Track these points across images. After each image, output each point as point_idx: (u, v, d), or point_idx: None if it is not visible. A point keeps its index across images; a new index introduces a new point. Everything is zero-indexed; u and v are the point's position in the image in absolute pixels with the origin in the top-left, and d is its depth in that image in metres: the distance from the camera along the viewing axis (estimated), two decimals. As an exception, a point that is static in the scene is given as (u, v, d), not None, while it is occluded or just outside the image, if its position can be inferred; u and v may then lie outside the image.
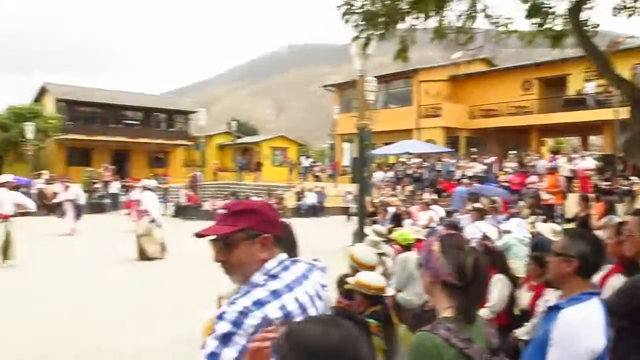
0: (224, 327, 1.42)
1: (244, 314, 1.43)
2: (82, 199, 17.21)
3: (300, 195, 24.16)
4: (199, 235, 1.68)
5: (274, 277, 1.58)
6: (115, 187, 24.34)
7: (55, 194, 17.65)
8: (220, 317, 1.45)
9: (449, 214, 11.53)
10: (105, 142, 36.57)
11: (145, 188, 12.06)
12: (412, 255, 5.10)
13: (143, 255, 10.49)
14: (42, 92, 39.56)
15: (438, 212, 11.47)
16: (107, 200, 24.15)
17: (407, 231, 6.25)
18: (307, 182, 28.99)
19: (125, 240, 13.67)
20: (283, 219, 1.85)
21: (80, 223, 15.67)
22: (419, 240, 5.79)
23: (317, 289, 1.70)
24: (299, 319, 1.48)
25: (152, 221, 10.89)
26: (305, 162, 32.00)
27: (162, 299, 7.35)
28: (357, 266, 4.02)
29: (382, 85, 25.42)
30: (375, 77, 18.37)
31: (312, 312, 1.60)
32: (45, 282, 8.36)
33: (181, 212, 21.78)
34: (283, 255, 1.65)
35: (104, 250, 11.82)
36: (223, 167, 41.08)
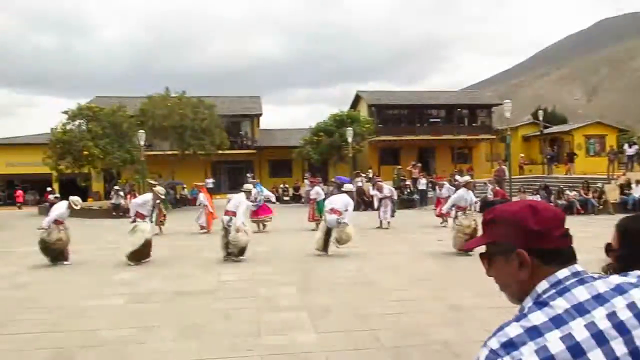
0: None
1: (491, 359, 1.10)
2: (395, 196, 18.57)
3: (624, 188, 21.21)
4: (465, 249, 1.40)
5: (542, 304, 1.14)
6: (422, 183, 25.54)
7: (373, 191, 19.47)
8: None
9: None
10: (412, 141, 38.68)
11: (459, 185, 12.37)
12: None
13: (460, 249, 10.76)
14: (357, 99, 44.18)
15: None
16: (416, 197, 25.54)
17: None
18: (633, 172, 25.31)
19: (435, 234, 14.29)
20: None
21: (394, 219, 16.93)
22: None
23: None
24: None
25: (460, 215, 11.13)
26: (630, 150, 27.85)
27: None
28: None
29: None
30: None
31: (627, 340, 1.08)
32: (401, 271, 9.32)
33: (487, 207, 21.50)
34: (564, 272, 1.19)
35: (420, 244, 12.54)
36: (529, 160, 39.03)
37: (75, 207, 10.79)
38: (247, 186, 12.30)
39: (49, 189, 31.36)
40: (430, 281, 8.22)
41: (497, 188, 21.67)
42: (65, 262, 10.44)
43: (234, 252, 10.37)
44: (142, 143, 26.12)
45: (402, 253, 11.18)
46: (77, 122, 27.70)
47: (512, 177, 23.06)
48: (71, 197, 10.92)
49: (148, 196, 11.21)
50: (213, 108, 30.27)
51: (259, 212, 15.96)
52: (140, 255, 10.35)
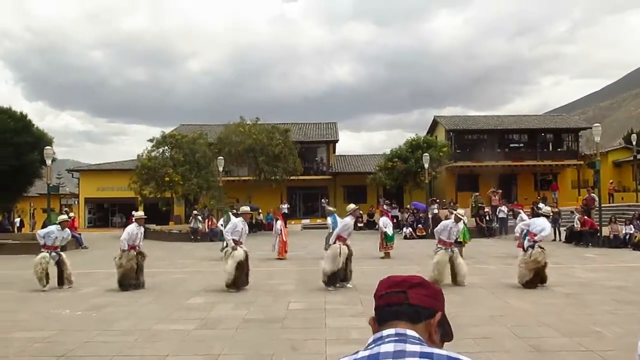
0: None
1: None
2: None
3: None
4: None
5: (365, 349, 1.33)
6: (503, 211, 24.42)
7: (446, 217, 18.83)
8: None
9: None
10: (491, 167, 37.33)
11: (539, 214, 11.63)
12: None
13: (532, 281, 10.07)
14: (434, 124, 43.41)
15: None
16: (495, 225, 24.44)
17: None
18: None
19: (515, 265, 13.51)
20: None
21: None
22: None
23: None
24: None
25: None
26: None
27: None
28: None
29: None
30: None
31: None
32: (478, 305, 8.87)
33: (574, 237, 20.19)
34: (382, 333, 1.34)
35: (498, 275, 11.88)
36: (620, 187, 36.51)
37: (142, 218, 11.11)
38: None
39: (133, 212, 33.00)
40: (509, 317, 7.67)
41: (586, 217, 20.27)
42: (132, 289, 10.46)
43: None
44: (220, 169, 26.94)
45: (478, 285, 10.59)
46: (161, 150, 29.10)
47: (602, 205, 21.54)
48: (136, 214, 11.37)
49: (236, 220, 11.08)
50: (287, 134, 30.77)
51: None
52: (238, 281, 10.23)
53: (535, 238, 10.47)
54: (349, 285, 10.44)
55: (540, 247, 10.33)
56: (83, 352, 6.07)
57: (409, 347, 1.25)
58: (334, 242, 10.36)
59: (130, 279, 10.62)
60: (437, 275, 10.30)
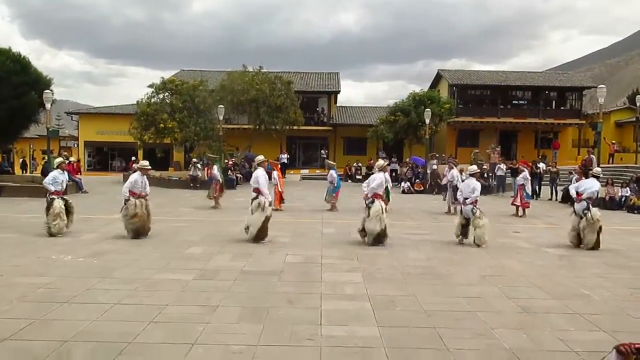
0: None
1: None
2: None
3: None
4: None
5: None
6: (501, 169, 24.44)
7: (444, 175, 18.90)
8: None
9: None
10: (493, 123, 37.13)
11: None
12: None
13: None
14: (438, 78, 42.88)
15: None
16: (493, 182, 24.50)
17: None
18: None
19: (511, 225, 13.70)
20: None
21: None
22: None
23: None
24: None
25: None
26: None
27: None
28: None
29: None
30: None
31: None
32: (471, 265, 9.06)
33: (570, 198, 20.25)
34: None
35: (493, 235, 12.03)
36: (621, 148, 36.48)
37: (146, 169, 11.09)
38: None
39: (133, 158, 33.05)
40: (501, 277, 7.84)
41: (583, 178, 20.31)
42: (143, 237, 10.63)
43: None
44: (220, 118, 26.80)
45: (473, 244, 10.76)
46: (161, 96, 28.83)
47: (602, 165, 21.54)
48: (140, 162, 11.42)
49: (259, 172, 10.71)
50: (290, 85, 30.45)
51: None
52: (262, 233, 10.33)
53: (583, 196, 10.52)
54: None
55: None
56: (85, 299, 6.24)
57: None
58: (373, 201, 10.30)
59: (146, 227, 10.74)
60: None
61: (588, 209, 10.39)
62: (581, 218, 10.43)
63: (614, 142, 34.88)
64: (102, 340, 4.87)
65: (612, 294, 6.99)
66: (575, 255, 9.87)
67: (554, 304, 6.46)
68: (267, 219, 10.38)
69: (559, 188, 21.65)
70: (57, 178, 11.20)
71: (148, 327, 5.26)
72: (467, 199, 10.90)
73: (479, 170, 12.50)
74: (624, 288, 7.32)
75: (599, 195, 11.73)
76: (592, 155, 23.50)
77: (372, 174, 11.01)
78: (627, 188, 18.91)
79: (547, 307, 6.32)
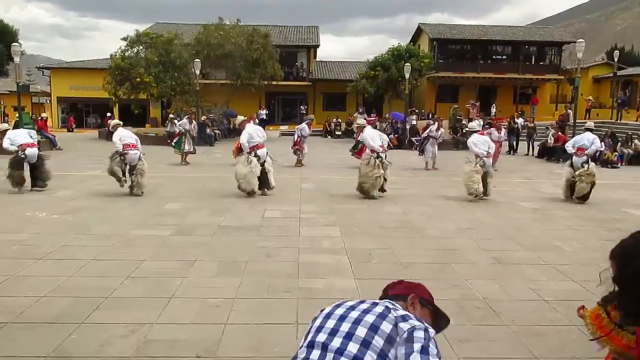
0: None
1: None
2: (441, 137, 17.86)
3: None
4: None
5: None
6: (477, 124, 24.49)
7: (423, 130, 18.94)
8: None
9: None
10: (472, 78, 37.07)
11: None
12: None
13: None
14: (418, 32, 42.37)
15: None
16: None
17: None
18: None
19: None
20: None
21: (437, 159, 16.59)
22: None
23: None
24: None
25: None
26: None
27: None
28: None
29: None
30: None
31: None
32: (448, 218, 9.17)
33: (547, 152, 20.58)
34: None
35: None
36: (598, 104, 36.84)
37: (118, 125, 10.90)
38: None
39: (108, 114, 32.35)
40: (476, 230, 7.98)
41: (560, 134, 20.58)
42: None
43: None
44: (197, 72, 26.21)
45: (451, 198, 10.89)
46: (135, 50, 28.01)
47: (579, 121, 21.76)
48: (111, 122, 11.32)
49: (245, 130, 10.65)
50: (268, 38, 29.78)
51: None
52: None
53: (587, 152, 10.74)
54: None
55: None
56: (61, 255, 6.19)
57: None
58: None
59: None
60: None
61: (587, 162, 10.67)
62: (576, 170, 10.67)
63: (590, 97, 35.15)
64: (79, 295, 4.86)
65: (583, 245, 7.18)
66: (549, 208, 10.07)
67: (526, 255, 6.61)
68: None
69: (535, 143, 21.89)
70: (14, 138, 10.79)
71: (125, 282, 5.26)
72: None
73: (479, 129, 12.68)
74: (595, 240, 7.51)
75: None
76: (569, 110, 23.71)
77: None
78: (602, 143, 19.15)
79: (519, 258, 6.47)
